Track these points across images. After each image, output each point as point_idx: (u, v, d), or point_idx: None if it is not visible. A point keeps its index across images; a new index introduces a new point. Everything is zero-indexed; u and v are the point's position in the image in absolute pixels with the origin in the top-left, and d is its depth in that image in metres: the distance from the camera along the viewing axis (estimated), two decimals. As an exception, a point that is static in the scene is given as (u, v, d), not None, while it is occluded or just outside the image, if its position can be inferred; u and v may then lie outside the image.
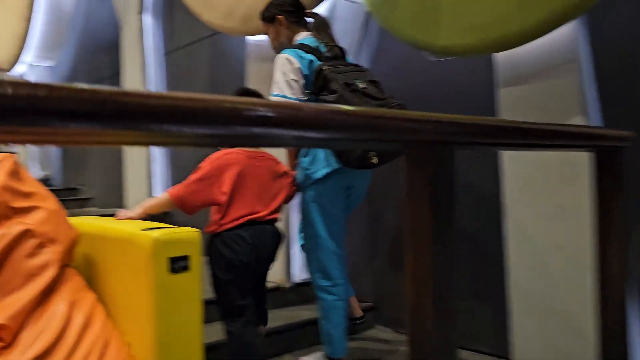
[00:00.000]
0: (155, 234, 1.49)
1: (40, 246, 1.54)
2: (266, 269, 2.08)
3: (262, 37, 2.79)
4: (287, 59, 2.01)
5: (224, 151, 1.96)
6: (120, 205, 4.76)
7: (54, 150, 6.49)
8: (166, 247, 1.48)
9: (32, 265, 1.51)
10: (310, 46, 2.06)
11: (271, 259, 2.05)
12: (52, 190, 4.64)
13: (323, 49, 2.07)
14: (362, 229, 2.87)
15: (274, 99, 1.98)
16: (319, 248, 2.09)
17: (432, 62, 2.29)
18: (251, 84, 2.95)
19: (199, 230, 1.63)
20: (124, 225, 1.68)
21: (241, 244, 1.89)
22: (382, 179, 2.43)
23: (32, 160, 6.42)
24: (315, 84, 1.97)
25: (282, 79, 1.99)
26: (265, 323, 2.16)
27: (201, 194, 1.89)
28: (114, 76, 4.96)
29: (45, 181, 6.47)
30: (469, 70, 2.31)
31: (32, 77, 6.45)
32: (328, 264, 2.08)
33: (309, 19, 2.20)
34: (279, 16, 2.18)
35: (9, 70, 6.60)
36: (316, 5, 2.52)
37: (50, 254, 1.55)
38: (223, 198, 1.89)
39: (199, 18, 3.16)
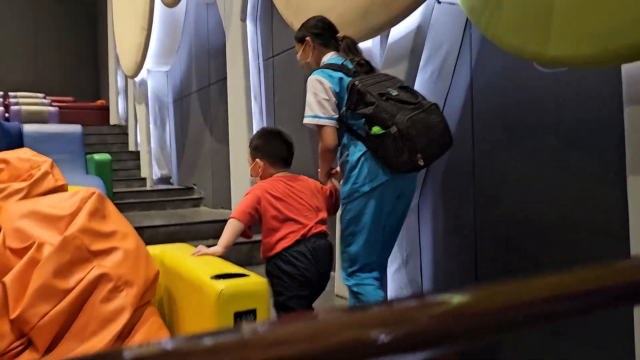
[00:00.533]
0: (221, 285, 1.41)
1: (116, 290, 1.54)
2: (325, 282, 2.08)
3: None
4: (317, 79, 2.07)
5: (265, 181, 2.06)
6: (229, 206, 4.90)
7: (171, 151, 6.87)
8: (232, 300, 1.40)
9: (107, 311, 1.51)
10: (337, 64, 2.12)
11: (329, 269, 2.06)
12: (170, 190, 4.89)
13: (350, 65, 2.12)
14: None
15: (306, 120, 2.08)
16: (362, 253, 2.08)
17: (542, 73, 1.98)
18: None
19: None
20: (199, 266, 1.63)
21: (302, 260, 1.94)
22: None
23: (154, 161, 6.85)
24: (351, 99, 2.01)
25: (313, 100, 2.06)
26: None
27: (249, 219, 1.96)
28: (222, 81, 5.10)
29: (166, 179, 6.90)
30: (587, 84, 1.95)
31: (151, 82, 6.87)
32: (366, 260, 2.08)
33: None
34: (308, 38, 2.24)
35: (133, 77, 7.10)
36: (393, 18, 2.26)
37: (125, 298, 1.54)
38: (274, 223, 1.97)
39: (292, 28, 3.07)
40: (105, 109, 10.25)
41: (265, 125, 4.39)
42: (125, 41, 7.09)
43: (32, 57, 11.69)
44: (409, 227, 2.76)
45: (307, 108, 2.08)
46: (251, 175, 2.18)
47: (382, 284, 2.21)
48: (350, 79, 2.04)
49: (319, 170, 2.21)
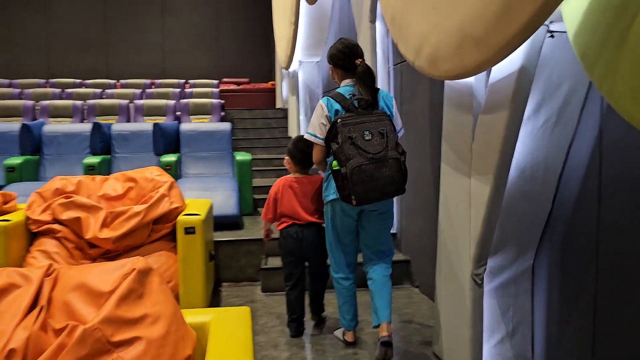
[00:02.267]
0: None
1: (131, 387, 1.50)
2: (314, 260, 2.96)
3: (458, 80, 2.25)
4: (321, 105, 2.56)
5: (279, 180, 3.00)
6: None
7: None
8: None
9: (119, 409, 1.48)
10: (343, 95, 2.53)
11: (314, 250, 2.90)
12: None
13: (353, 99, 2.49)
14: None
15: (306, 136, 2.62)
16: (332, 249, 2.73)
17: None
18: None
19: None
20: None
21: (288, 239, 2.91)
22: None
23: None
24: (329, 132, 2.46)
25: (316, 121, 2.56)
26: (319, 313, 3.12)
27: (271, 211, 3.00)
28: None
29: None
30: None
31: (302, 73, 6.92)
32: (332, 260, 2.75)
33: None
34: (331, 65, 2.68)
35: (286, 68, 7.23)
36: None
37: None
38: (279, 209, 2.96)
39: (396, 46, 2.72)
40: (274, 91, 10.75)
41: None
42: (279, 33, 7.23)
43: (214, 43, 12.70)
44: (517, 294, 2.31)
45: (309, 125, 2.59)
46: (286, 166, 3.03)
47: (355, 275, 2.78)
48: (341, 111, 2.50)
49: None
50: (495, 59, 1.77)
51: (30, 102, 6.94)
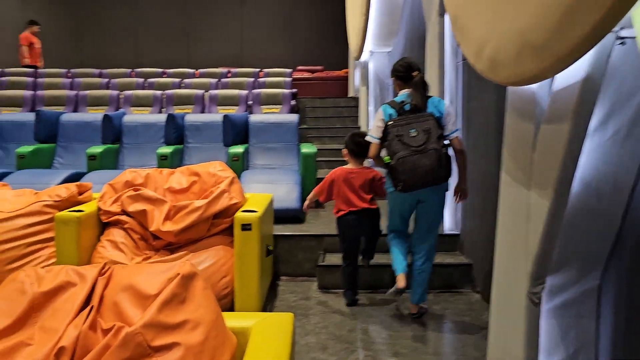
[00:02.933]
0: None
1: (167, 392, 1.55)
2: (370, 234, 3.43)
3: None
4: (379, 111, 3.07)
5: (336, 169, 3.42)
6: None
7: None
8: None
9: (155, 413, 1.53)
10: (397, 102, 3.01)
11: (371, 228, 3.39)
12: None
13: (406, 105, 2.96)
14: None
15: (367, 138, 3.13)
16: (389, 217, 3.22)
17: None
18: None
19: None
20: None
21: (346, 225, 3.35)
22: None
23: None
24: (384, 133, 2.95)
25: (374, 124, 3.06)
26: (369, 259, 3.53)
27: (325, 193, 3.41)
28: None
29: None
30: None
31: (373, 63, 6.81)
32: (389, 223, 3.23)
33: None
34: (392, 78, 3.20)
35: (357, 59, 7.15)
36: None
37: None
38: (335, 198, 3.40)
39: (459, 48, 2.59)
40: (347, 79, 10.68)
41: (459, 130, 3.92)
42: (351, 24, 7.14)
43: (290, 32, 12.80)
44: (580, 316, 2.15)
45: (370, 129, 3.11)
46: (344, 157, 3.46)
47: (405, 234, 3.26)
48: (396, 115, 2.96)
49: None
50: (555, 69, 1.63)
51: (115, 92, 7.34)
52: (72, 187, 3.44)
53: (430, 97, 3.04)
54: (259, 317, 2.01)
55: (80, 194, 3.53)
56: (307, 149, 5.21)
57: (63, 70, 9.45)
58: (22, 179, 4.64)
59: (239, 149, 5.20)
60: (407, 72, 3.07)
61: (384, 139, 2.94)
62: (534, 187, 2.01)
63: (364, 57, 7.02)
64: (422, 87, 3.01)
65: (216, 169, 3.57)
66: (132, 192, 3.38)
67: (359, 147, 3.31)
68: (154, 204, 3.35)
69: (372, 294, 3.59)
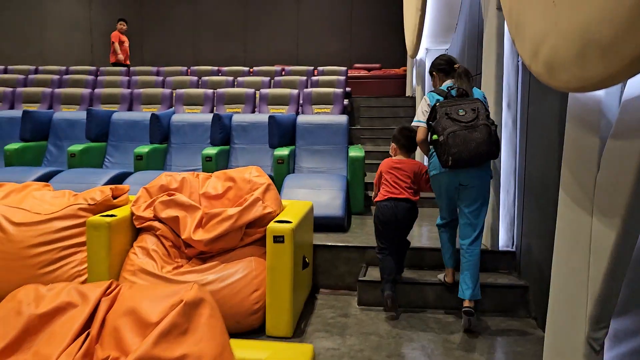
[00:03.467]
0: None
1: None
2: (404, 230, 3.38)
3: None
4: (425, 98, 3.15)
5: (385, 161, 3.44)
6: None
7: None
8: None
9: None
10: (442, 89, 3.12)
11: (405, 222, 3.33)
12: None
13: (454, 92, 3.03)
14: None
15: (413, 123, 3.18)
16: (440, 208, 3.26)
17: None
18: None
19: None
20: None
21: (385, 210, 3.30)
22: None
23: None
24: (430, 114, 3.01)
25: (420, 110, 3.13)
26: (400, 273, 3.48)
27: (376, 189, 3.45)
28: (480, 76, 4.38)
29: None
30: None
31: (429, 61, 6.47)
32: (443, 214, 3.27)
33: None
34: (434, 72, 3.28)
35: (412, 57, 6.82)
36: None
37: None
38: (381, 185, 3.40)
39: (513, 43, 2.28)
40: (404, 78, 10.32)
41: (517, 138, 3.57)
42: (407, 20, 6.82)
43: (346, 28, 12.55)
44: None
45: (416, 115, 3.18)
46: (390, 153, 3.53)
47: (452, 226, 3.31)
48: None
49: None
50: (626, 73, 1.33)
51: (167, 91, 7.39)
52: (107, 190, 3.38)
53: (474, 87, 3.14)
54: (274, 348, 1.82)
55: (117, 197, 3.48)
56: (355, 152, 4.97)
57: (122, 69, 9.66)
58: (70, 178, 4.69)
59: (284, 152, 5.03)
60: (448, 65, 3.23)
61: (431, 119, 2.99)
62: (598, 214, 1.69)
63: (420, 54, 6.69)
64: (466, 76, 3.11)
65: (252, 174, 3.41)
66: (165, 198, 3.28)
67: (408, 140, 3.39)
68: (187, 210, 3.24)
69: (414, 312, 3.32)
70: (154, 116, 5.47)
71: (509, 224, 3.65)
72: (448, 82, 3.17)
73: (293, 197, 4.29)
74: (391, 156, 3.48)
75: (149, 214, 3.27)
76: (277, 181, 4.93)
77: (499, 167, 3.61)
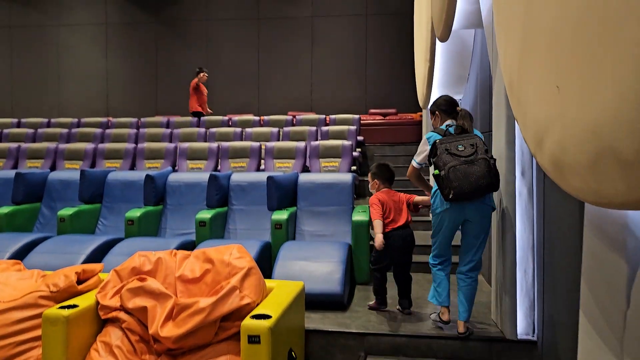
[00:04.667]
0: None
1: None
2: (405, 257, 3.70)
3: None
4: (424, 139, 3.36)
5: (377, 194, 3.75)
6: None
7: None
8: None
9: None
10: (441, 128, 3.28)
11: (412, 245, 3.71)
12: None
13: (452, 130, 3.22)
14: None
15: (413, 164, 3.43)
16: (436, 245, 3.35)
17: None
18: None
19: None
20: None
21: (396, 239, 3.63)
22: None
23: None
24: (431, 152, 3.18)
25: (420, 150, 3.38)
26: (410, 305, 3.73)
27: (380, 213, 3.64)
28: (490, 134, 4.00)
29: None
30: None
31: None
32: (436, 252, 3.36)
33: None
34: (437, 112, 3.47)
35: (423, 107, 6.48)
36: None
37: None
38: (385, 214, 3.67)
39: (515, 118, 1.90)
40: (421, 124, 9.96)
41: (534, 210, 3.14)
42: (417, 70, 6.52)
43: (361, 73, 12.35)
44: None
45: (416, 154, 3.39)
46: (370, 189, 3.86)
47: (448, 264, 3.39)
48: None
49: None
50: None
51: (172, 145, 7.18)
52: (72, 274, 3.05)
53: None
54: None
55: (86, 279, 3.15)
56: (360, 215, 4.58)
57: (133, 120, 9.56)
58: (53, 247, 4.41)
59: (282, 215, 4.67)
60: (450, 106, 3.40)
61: (432, 156, 3.13)
62: (630, 364, 1.27)
63: (432, 105, 6.34)
64: (469, 117, 3.28)
65: (232, 256, 3.04)
66: (134, 284, 2.93)
67: (388, 172, 3.84)
68: (157, 299, 2.88)
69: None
70: (148, 177, 5.20)
71: (528, 308, 3.19)
72: (448, 122, 3.33)
73: (287, 271, 3.91)
74: (372, 192, 3.83)
75: (115, 302, 2.93)
76: (275, 247, 4.56)
77: (514, 241, 3.18)
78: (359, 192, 7.49)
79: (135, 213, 4.91)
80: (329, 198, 5.10)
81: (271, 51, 12.60)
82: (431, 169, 3.26)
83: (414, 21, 7.30)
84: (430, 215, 3.39)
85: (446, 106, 3.39)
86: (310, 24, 12.54)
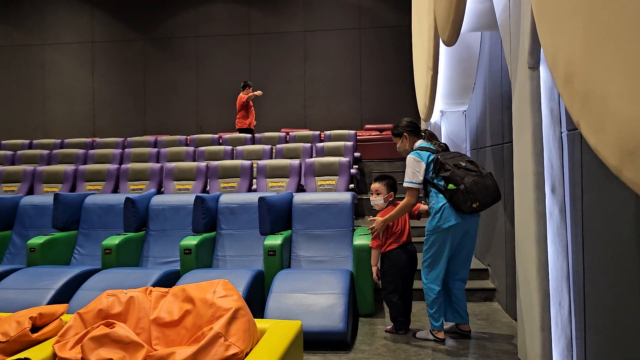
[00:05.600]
0: None
1: None
2: (412, 273, 3.62)
3: None
4: (415, 158, 3.37)
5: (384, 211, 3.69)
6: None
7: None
8: None
9: None
10: (426, 146, 3.41)
11: (416, 263, 3.64)
12: None
13: (433, 147, 3.40)
14: None
15: (405, 184, 3.38)
16: (436, 266, 3.33)
17: None
18: None
19: None
20: None
21: (402, 255, 3.59)
22: None
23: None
24: (434, 168, 3.26)
25: (410, 171, 3.36)
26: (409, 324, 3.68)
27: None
28: (511, 145, 3.58)
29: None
30: None
31: (445, 125, 5.70)
32: (437, 273, 3.34)
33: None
34: (405, 133, 3.56)
35: (426, 120, 6.08)
36: None
37: None
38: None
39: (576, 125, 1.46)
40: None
41: (568, 233, 2.70)
42: (418, 80, 6.12)
43: (356, 88, 12.00)
44: None
45: (406, 176, 3.39)
46: (398, 150, 3.71)
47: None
48: (433, 155, 3.33)
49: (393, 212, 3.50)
50: None
51: (157, 166, 6.72)
52: (26, 321, 2.56)
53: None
54: None
55: (44, 325, 2.66)
56: (361, 239, 4.13)
57: (119, 140, 9.11)
58: (19, 282, 3.92)
59: (275, 241, 4.21)
60: (416, 127, 3.58)
61: (437, 171, 3.25)
62: None
63: (435, 118, 5.94)
64: (434, 137, 3.51)
65: (216, 294, 2.56)
66: (98, 331, 2.45)
67: (393, 186, 3.73)
68: (126, 349, 2.39)
69: None
70: (128, 200, 4.73)
71: (564, 348, 2.72)
72: (421, 142, 3.47)
73: (282, 305, 3.44)
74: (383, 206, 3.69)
75: (76, 354, 2.44)
76: (269, 276, 4.09)
77: (546, 269, 2.73)
78: (359, 211, 7.04)
79: (113, 241, 4.43)
80: (326, 220, 4.65)
81: (263, 68, 12.24)
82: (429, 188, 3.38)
83: (412, 30, 6.93)
84: (426, 236, 3.38)
85: (413, 127, 3.53)
86: (302, 40, 12.21)
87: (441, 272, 3.33)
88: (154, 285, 3.79)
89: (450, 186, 3.14)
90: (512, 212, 3.86)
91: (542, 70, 2.79)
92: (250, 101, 9.33)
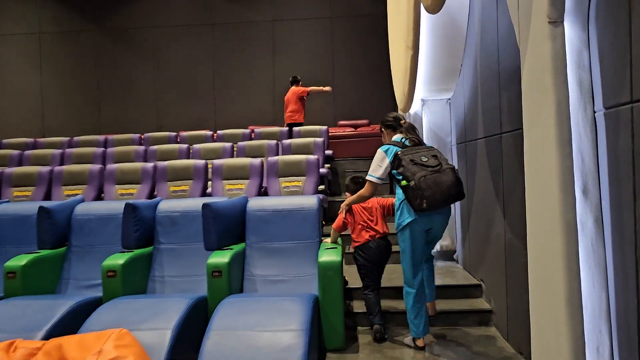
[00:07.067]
0: None
1: None
2: (382, 266, 3.59)
3: None
4: (380, 152, 3.32)
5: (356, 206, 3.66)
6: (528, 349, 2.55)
7: (455, 214, 4.81)
8: None
9: None
10: (396, 141, 3.34)
11: (387, 257, 3.59)
12: (448, 287, 4.07)
13: (407, 142, 3.29)
14: None
15: (369, 178, 3.35)
16: (406, 267, 3.25)
17: None
18: None
19: None
20: None
21: (370, 250, 3.54)
22: None
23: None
24: (393, 163, 3.21)
25: (374, 165, 3.33)
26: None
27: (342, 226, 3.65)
28: (518, 132, 2.83)
29: (449, 253, 4.95)
30: None
31: (427, 115, 4.93)
32: (410, 276, 3.24)
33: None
34: (383, 129, 3.55)
35: (404, 110, 5.29)
36: None
37: None
38: (350, 227, 3.64)
39: None
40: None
41: (609, 252, 1.94)
42: (395, 66, 5.34)
43: (328, 82, 11.18)
44: None
45: (370, 169, 3.36)
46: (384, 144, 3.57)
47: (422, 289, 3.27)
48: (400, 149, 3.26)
49: (346, 201, 3.61)
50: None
51: (96, 167, 5.82)
52: None
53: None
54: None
55: None
56: (328, 254, 3.33)
57: (65, 139, 8.14)
58: None
59: (222, 259, 3.37)
60: (396, 121, 3.48)
61: (395, 168, 3.18)
62: None
63: (415, 107, 5.17)
64: (413, 130, 3.39)
65: (104, 355, 1.73)
66: None
67: (361, 185, 3.61)
68: None
69: None
70: (42, 210, 3.84)
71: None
72: (397, 136, 3.40)
73: (223, 350, 2.60)
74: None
75: None
76: (213, 303, 3.26)
77: (579, 302, 1.96)
78: (329, 215, 6.22)
79: (19, 262, 3.53)
80: (288, 230, 3.83)
81: (228, 60, 11.35)
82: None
83: (387, 8, 6.14)
84: (398, 236, 3.28)
85: (393, 122, 3.47)
86: (271, 29, 11.36)
87: (411, 274, 3.21)
88: (60, 321, 2.92)
89: (403, 182, 3.09)
90: (512, 219, 3.10)
91: (567, 25, 2.02)
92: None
